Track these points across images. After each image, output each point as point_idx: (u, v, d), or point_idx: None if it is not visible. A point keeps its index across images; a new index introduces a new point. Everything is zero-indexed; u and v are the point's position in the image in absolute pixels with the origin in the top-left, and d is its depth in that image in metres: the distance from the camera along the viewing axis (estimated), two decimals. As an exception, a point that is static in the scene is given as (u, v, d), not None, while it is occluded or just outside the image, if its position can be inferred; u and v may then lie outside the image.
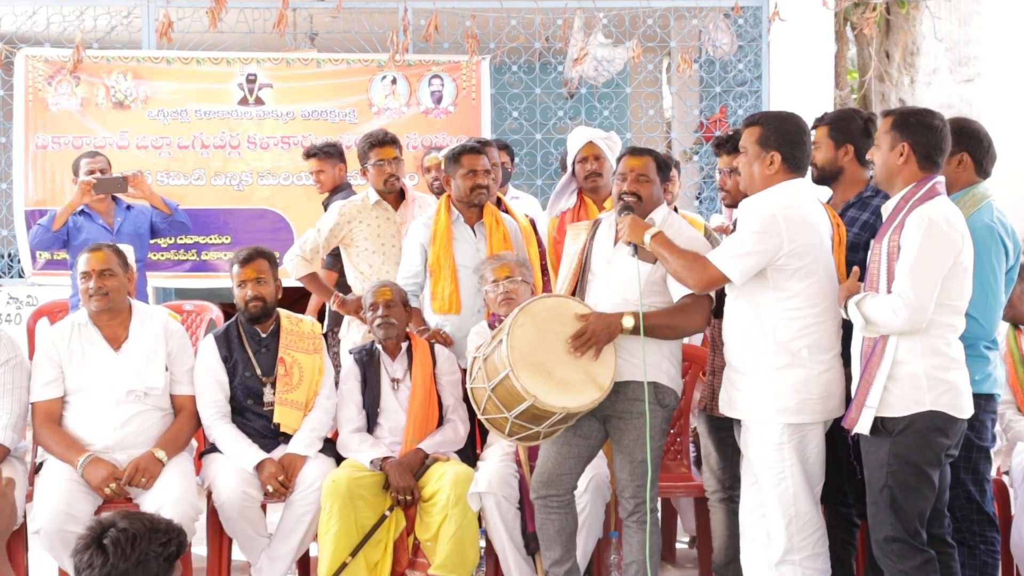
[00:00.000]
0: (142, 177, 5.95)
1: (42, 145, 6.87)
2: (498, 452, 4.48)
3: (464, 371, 4.52)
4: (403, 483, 4.33)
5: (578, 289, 4.12)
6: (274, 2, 6.77)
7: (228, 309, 5.28)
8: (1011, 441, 4.54)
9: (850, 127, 4.00)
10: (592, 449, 4.11)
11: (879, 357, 3.51)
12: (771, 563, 3.79)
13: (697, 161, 7.92)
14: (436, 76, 7.10)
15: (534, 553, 4.32)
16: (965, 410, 3.56)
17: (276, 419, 4.51)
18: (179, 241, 6.86)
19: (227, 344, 4.59)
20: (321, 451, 4.51)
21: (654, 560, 4.00)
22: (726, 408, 3.90)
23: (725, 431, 4.09)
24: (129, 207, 5.94)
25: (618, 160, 4.21)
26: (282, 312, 4.68)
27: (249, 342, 4.61)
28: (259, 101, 7.01)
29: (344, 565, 4.26)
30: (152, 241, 6.16)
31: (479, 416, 4.05)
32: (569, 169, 5.10)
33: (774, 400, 3.70)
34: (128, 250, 5.25)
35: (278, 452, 4.47)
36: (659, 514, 4.39)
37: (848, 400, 3.69)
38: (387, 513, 4.36)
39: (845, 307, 3.58)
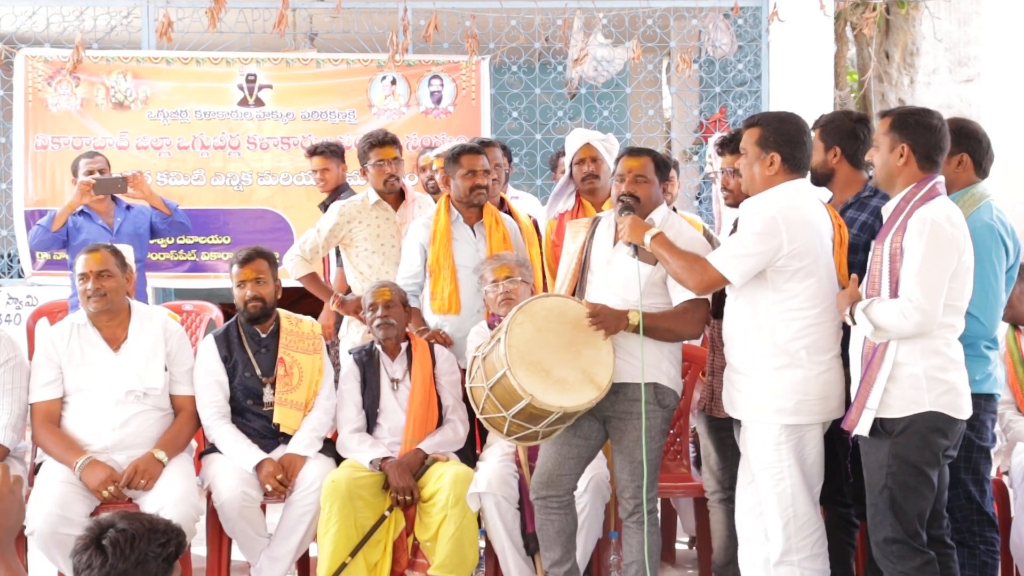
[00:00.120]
0: (142, 177, 5.95)
1: (42, 145, 6.86)
2: (498, 452, 4.48)
3: (464, 371, 4.52)
4: (402, 483, 4.33)
5: (578, 288, 4.12)
6: (274, 2, 6.76)
7: (228, 309, 5.27)
8: (1011, 441, 4.54)
9: (837, 129, 3.98)
10: (592, 450, 4.11)
11: (880, 359, 3.50)
12: (770, 563, 3.78)
13: (697, 161, 7.92)
14: (436, 76, 7.10)
15: (534, 553, 4.32)
16: (964, 411, 3.55)
17: (276, 419, 4.51)
18: (179, 241, 6.85)
19: (227, 344, 4.59)
20: (321, 451, 4.51)
21: (654, 560, 4.00)
22: (728, 408, 3.90)
23: (725, 431, 4.09)
24: (129, 207, 5.95)
25: (616, 161, 4.21)
26: (282, 312, 4.68)
27: (249, 342, 4.61)
28: (259, 101, 7.00)
29: (344, 565, 4.26)
30: (152, 241, 6.16)
31: (478, 415, 4.05)
32: (567, 171, 5.10)
33: (772, 400, 3.70)
34: (127, 250, 5.24)
35: (278, 452, 4.47)
36: (659, 514, 4.39)
37: (847, 401, 3.68)
38: (386, 513, 4.36)
39: (850, 314, 3.55)
